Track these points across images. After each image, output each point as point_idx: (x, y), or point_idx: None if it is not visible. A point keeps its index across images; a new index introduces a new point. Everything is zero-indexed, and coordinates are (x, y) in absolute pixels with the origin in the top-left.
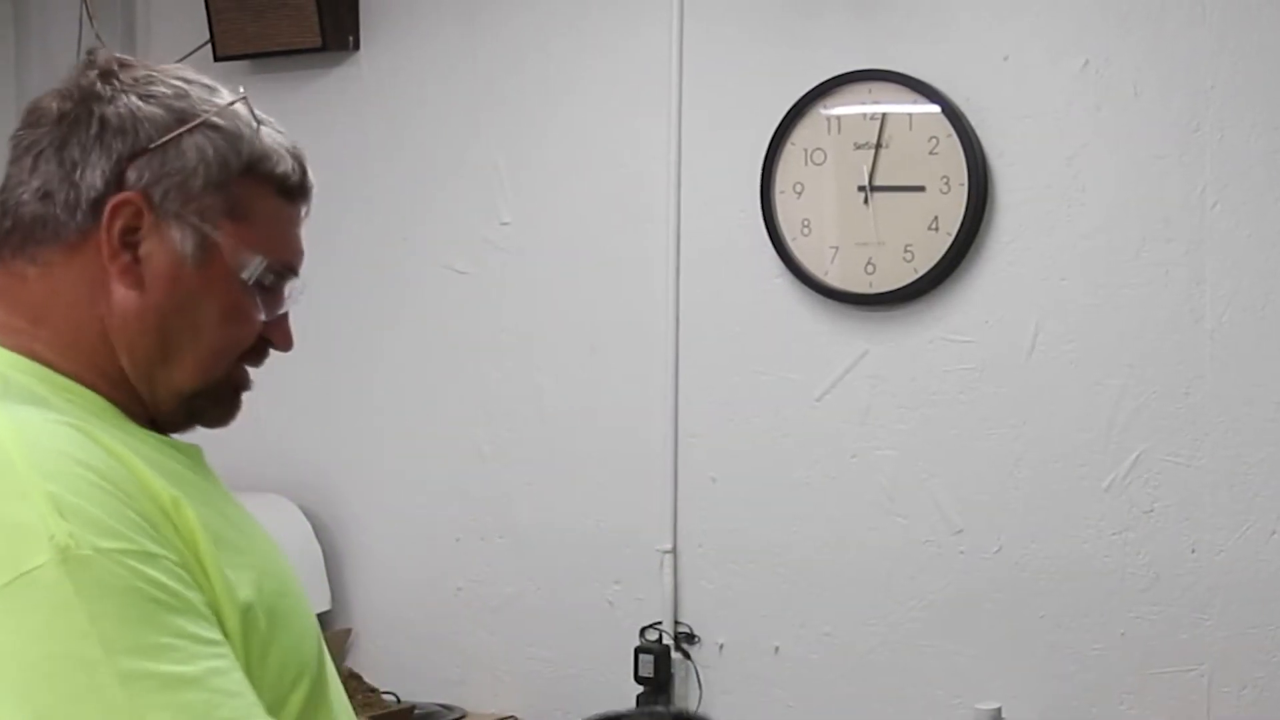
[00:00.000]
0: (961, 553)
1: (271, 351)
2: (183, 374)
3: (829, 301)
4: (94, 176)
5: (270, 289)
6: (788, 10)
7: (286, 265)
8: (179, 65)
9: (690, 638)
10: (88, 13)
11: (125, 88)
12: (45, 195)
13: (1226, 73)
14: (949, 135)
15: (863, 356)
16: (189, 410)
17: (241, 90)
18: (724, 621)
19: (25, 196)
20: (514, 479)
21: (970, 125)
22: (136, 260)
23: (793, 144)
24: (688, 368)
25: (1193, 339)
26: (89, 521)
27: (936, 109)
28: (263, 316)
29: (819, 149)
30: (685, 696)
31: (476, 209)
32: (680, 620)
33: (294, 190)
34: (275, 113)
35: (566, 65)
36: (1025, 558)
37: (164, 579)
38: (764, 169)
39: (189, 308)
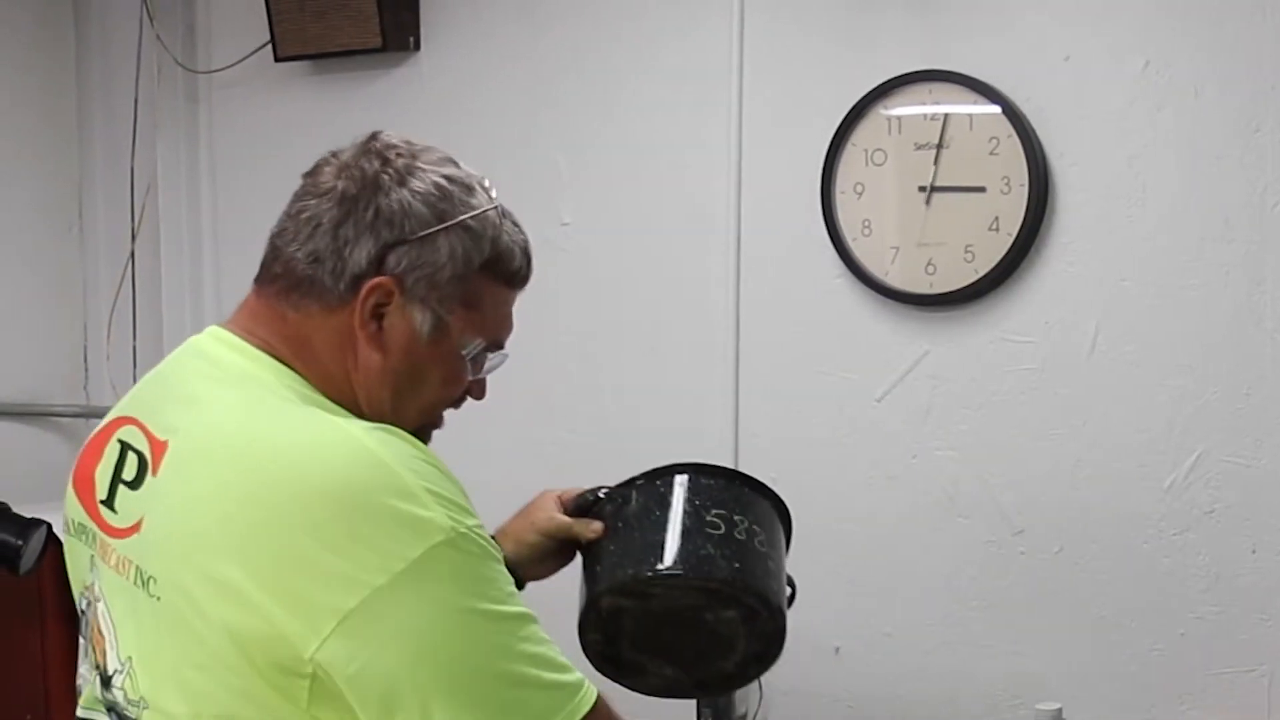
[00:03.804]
0: (1022, 553)
1: None
2: (405, 419)
3: (889, 302)
4: (360, 256)
5: (482, 360)
6: (848, 10)
7: (497, 342)
8: (438, 154)
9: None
10: (148, 13)
11: (399, 178)
12: (315, 260)
13: None
14: (1009, 136)
15: (923, 357)
16: None
17: (494, 195)
18: None
19: (299, 255)
20: (575, 479)
21: (1031, 126)
22: (380, 329)
23: (853, 144)
24: (748, 368)
25: (1253, 340)
26: (456, 505)
27: (997, 109)
28: (471, 377)
29: (880, 149)
30: (746, 697)
31: (537, 209)
32: None
33: (519, 282)
34: (336, 113)
35: (627, 65)
36: (1086, 558)
37: (488, 543)
38: (824, 169)
39: (417, 373)
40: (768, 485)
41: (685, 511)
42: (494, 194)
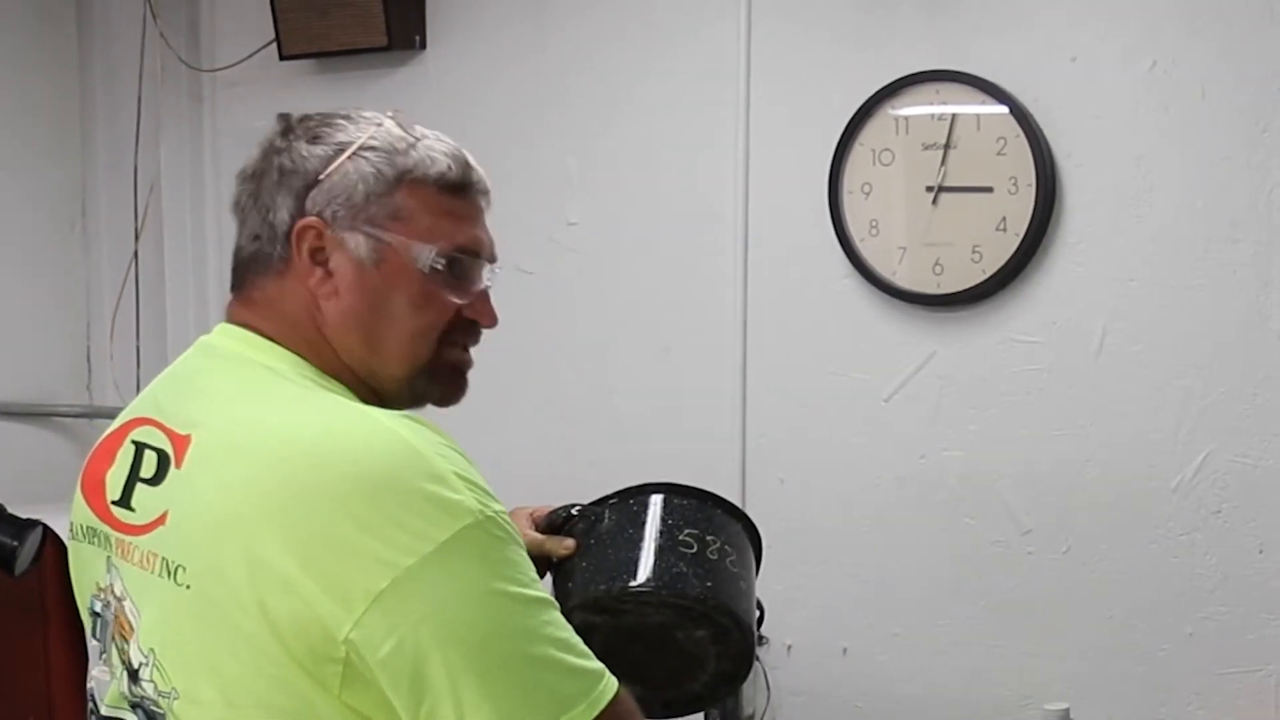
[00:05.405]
0: (1030, 553)
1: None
2: (391, 361)
3: (897, 302)
4: (283, 213)
5: (458, 274)
6: (856, 10)
7: (462, 249)
8: (356, 108)
9: (758, 639)
10: (151, 11)
11: (298, 136)
12: (255, 237)
13: None
14: (1017, 136)
15: (931, 357)
16: (412, 393)
17: (390, 112)
18: (792, 622)
19: (244, 243)
20: (585, 480)
21: (1038, 126)
22: (329, 274)
23: (861, 144)
24: (756, 368)
25: (1260, 340)
26: (483, 490)
27: (1005, 110)
28: (456, 299)
29: (887, 149)
30: (754, 698)
31: (544, 209)
32: None
33: (455, 185)
34: None
35: (634, 65)
36: (1093, 558)
37: (513, 528)
38: (832, 169)
39: (380, 303)
40: (740, 508)
41: (658, 530)
42: (398, 116)
